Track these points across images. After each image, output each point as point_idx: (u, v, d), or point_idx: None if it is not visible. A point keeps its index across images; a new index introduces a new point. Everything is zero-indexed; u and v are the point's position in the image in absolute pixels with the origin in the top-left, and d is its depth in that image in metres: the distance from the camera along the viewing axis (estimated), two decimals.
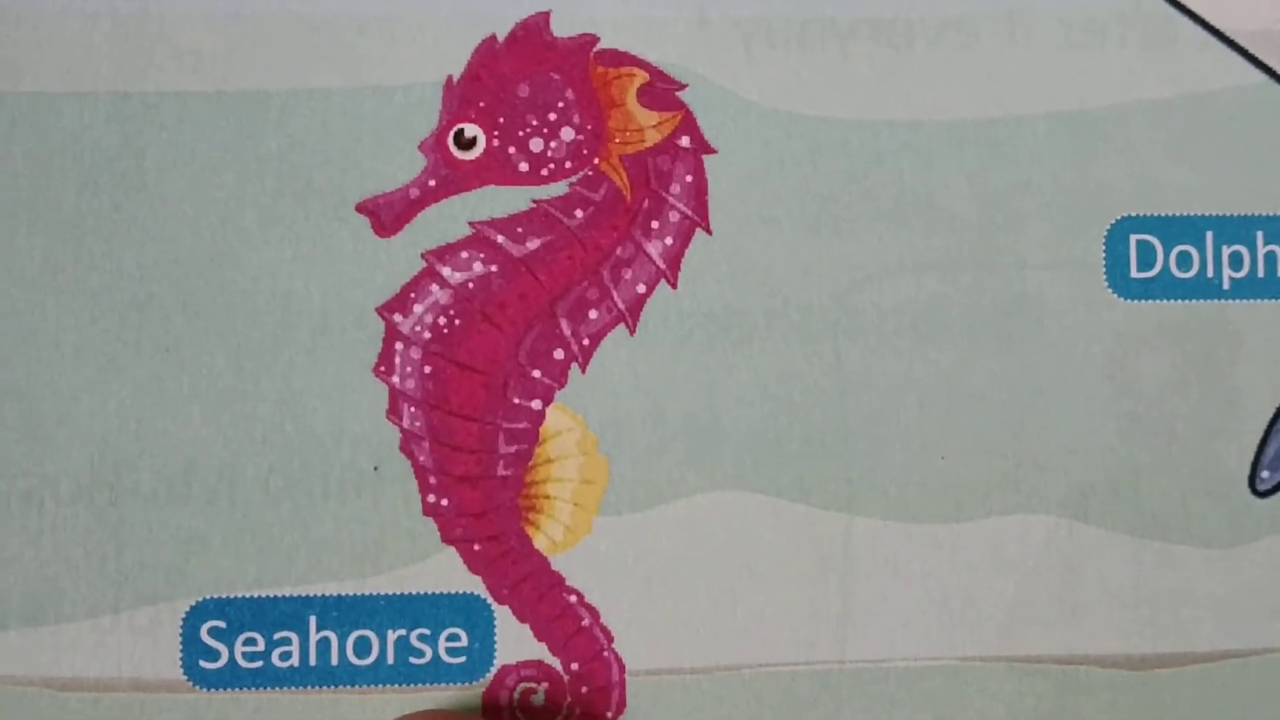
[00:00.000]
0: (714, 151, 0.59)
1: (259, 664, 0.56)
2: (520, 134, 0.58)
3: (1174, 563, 0.59)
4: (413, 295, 0.57)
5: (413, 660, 0.56)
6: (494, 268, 0.58)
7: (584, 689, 0.57)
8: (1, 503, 0.55)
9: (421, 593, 0.57)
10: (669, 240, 0.58)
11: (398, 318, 0.57)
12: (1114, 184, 0.60)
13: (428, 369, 0.57)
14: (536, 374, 0.57)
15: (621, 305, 0.58)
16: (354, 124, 0.58)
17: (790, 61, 0.60)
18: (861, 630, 0.58)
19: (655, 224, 0.58)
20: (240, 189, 0.58)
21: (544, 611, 0.57)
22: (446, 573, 0.57)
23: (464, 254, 0.58)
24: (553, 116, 0.58)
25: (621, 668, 0.57)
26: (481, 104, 0.58)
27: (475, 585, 0.57)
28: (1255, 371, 0.60)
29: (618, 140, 0.59)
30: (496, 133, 0.58)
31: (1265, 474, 0.59)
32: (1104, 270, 0.60)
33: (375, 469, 0.57)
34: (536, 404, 0.57)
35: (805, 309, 0.59)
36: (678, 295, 0.59)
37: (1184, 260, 0.60)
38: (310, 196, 0.58)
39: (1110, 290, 0.59)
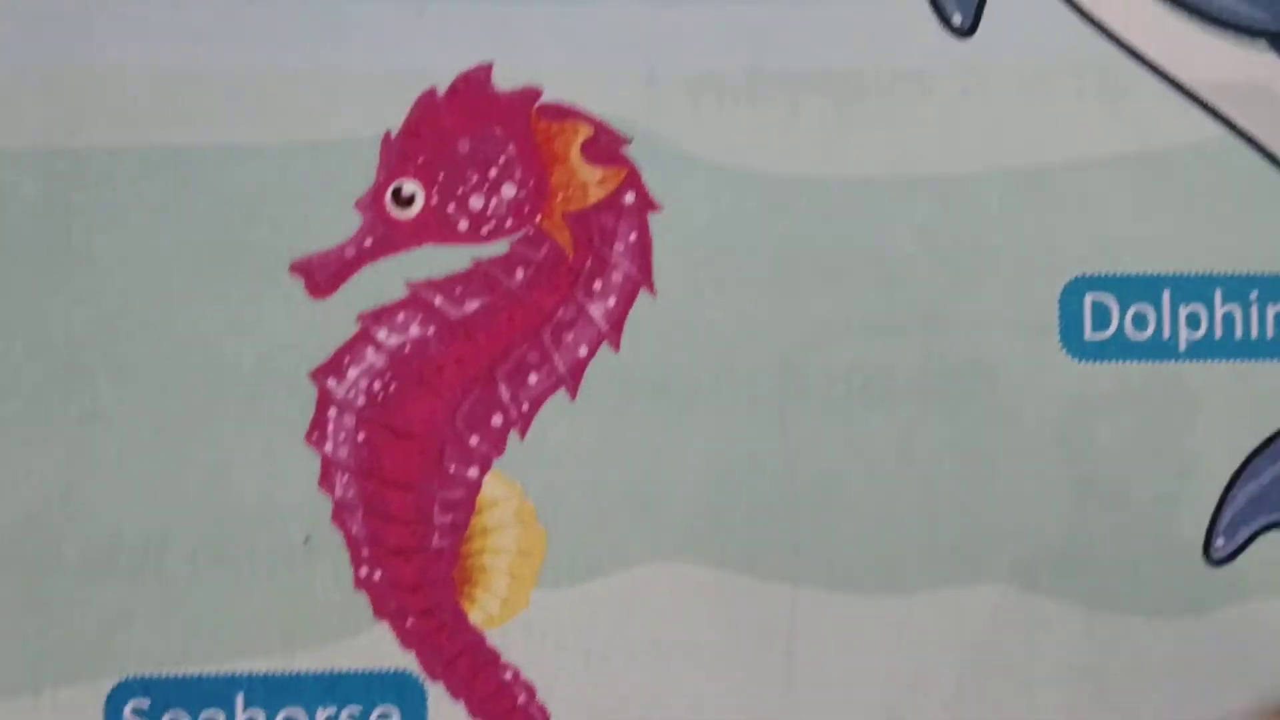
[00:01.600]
0: (659, 209, 0.58)
1: None
2: (460, 191, 0.57)
3: (1127, 633, 0.58)
4: (347, 359, 0.56)
5: None
6: (431, 330, 0.56)
7: None
8: None
9: (352, 670, 0.55)
10: (612, 301, 0.57)
11: (331, 383, 0.56)
12: (1070, 242, 0.59)
13: (361, 436, 0.56)
14: (474, 441, 0.56)
15: (562, 369, 0.57)
16: (288, 181, 0.56)
17: (738, 115, 0.58)
18: (807, 706, 0.57)
19: (598, 284, 0.57)
20: (170, 249, 0.56)
21: (479, 688, 0.56)
22: (378, 649, 0.55)
23: (400, 316, 0.56)
24: (494, 173, 0.57)
25: None
26: (420, 160, 0.57)
27: (408, 662, 0.56)
28: (1212, 435, 0.58)
29: (561, 197, 0.57)
30: (436, 190, 0.57)
31: (1221, 541, 0.58)
32: (1058, 331, 0.58)
33: (306, 540, 0.55)
34: (473, 472, 0.56)
35: (751, 372, 0.57)
36: (621, 358, 0.57)
37: (1140, 321, 0.58)
38: (243, 257, 0.56)
39: (1064, 352, 0.58)
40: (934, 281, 0.58)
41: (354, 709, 0.55)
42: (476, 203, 0.56)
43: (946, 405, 0.58)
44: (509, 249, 0.57)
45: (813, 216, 0.58)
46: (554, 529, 0.56)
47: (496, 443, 0.56)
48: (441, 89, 0.57)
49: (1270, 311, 0.59)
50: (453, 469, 0.56)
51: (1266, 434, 0.59)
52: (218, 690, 0.55)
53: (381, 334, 0.56)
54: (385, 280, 0.57)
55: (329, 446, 0.56)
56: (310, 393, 0.56)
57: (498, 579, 0.56)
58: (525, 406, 0.56)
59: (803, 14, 0.58)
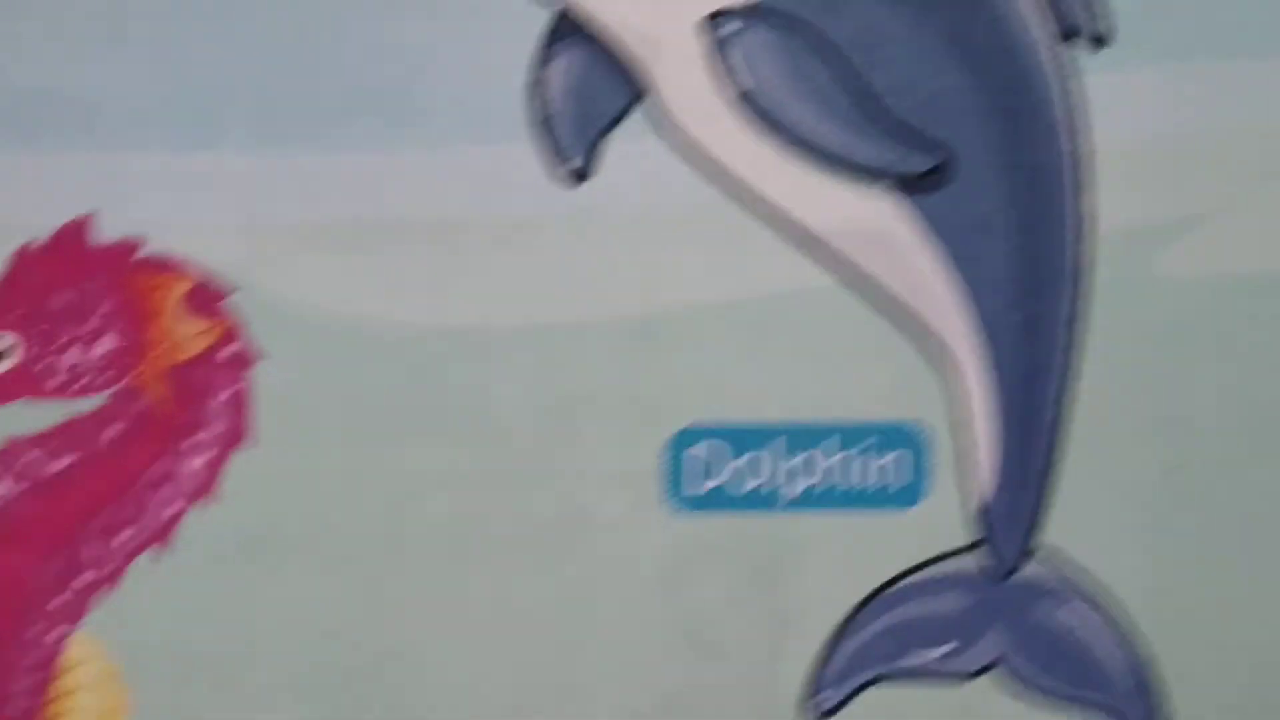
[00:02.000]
0: (260, 360, 0.57)
1: None
2: (55, 345, 0.57)
3: None
4: None
5: None
6: (21, 487, 0.57)
7: None
8: None
9: None
10: (209, 455, 0.57)
11: None
12: (679, 391, 0.59)
13: None
14: (60, 600, 0.56)
15: (155, 525, 0.57)
16: None
17: (343, 265, 0.58)
18: None
19: (196, 438, 0.57)
20: None
21: None
22: None
23: None
24: (91, 326, 0.57)
25: None
26: (17, 313, 0.57)
27: None
28: (816, 587, 0.59)
29: (159, 351, 0.57)
30: (30, 344, 0.56)
31: (828, 693, 0.58)
32: (664, 482, 0.58)
33: None
34: (57, 633, 0.56)
35: (351, 526, 0.58)
36: (216, 513, 0.58)
37: (748, 470, 0.59)
38: None
39: (669, 503, 0.58)
40: (537, 432, 0.58)
41: None
42: (72, 357, 0.57)
43: (546, 558, 0.58)
44: (105, 403, 0.57)
45: (417, 367, 0.58)
46: (138, 690, 0.57)
47: (82, 602, 0.57)
48: (39, 241, 0.57)
49: (878, 463, 0.59)
50: (36, 630, 0.56)
51: (873, 585, 0.59)
52: None
53: None
54: None
55: None
56: None
57: None
58: (115, 564, 0.57)
59: (409, 163, 0.58)
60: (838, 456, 0.59)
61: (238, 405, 0.58)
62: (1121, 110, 0.59)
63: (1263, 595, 0.59)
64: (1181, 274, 0.59)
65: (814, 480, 0.59)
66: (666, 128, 0.59)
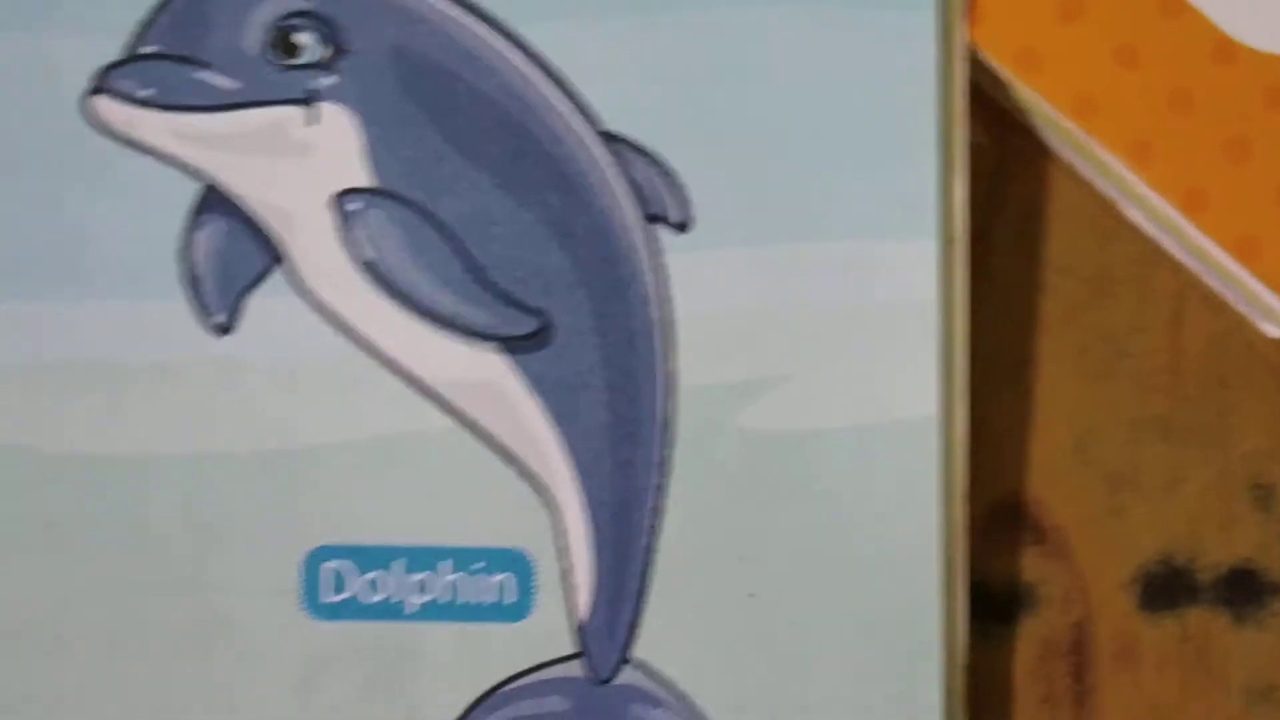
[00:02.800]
0: None
1: None
2: None
3: None
4: None
5: None
6: None
7: None
8: None
9: None
10: None
11: None
12: (313, 515, 0.67)
13: None
14: None
15: None
16: None
17: (20, 399, 0.67)
18: None
19: None
20: None
21: None
22: None
23: None
24: None
25: None
26: None
27: None
28: (436, 688, 0.67)
29: None
30: None
31: None
32: (300, 593, 0.67)
33: None
34: None
35: (18, 626, 0.67)
36: None
37: (375, 586, 0.67)
38: None
39: (305, 611, 0.67)
40: (190, 548, 0.67)
41: None
42: None
43: (196, 659, 0.67)
44: None
45: (83, 488, 0.66)
46: None
47: None
48: None
49: (491, 580, 0.68)
50: None
51: (484, 687, 0.68)
52: None
53: None
54: None
55: None
56: None
57: None
58: None
59: (76, 312, 0.66)
60: (454, 575, 0.68)
61: None
62: (703, 285, 0.68)
63: (820, 698, 0.68)
64: (758, 427, 0.68)
65: (433, 595, 0.68)
66: (301, 288, 0.67)
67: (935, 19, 0.68)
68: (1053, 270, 0.74)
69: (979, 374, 0.69)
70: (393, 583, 0.67)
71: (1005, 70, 0.71)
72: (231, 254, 0.67)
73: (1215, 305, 0.74)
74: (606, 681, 0.67)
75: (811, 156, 0.68)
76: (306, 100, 0.66)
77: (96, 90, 0.66)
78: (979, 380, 0.69)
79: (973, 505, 0.69)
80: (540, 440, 0.67)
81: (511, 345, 0.67)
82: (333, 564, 0.67)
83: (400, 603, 0.67)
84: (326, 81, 0.66)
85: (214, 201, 0.67)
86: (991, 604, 0.73)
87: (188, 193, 0.67)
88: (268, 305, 0.68)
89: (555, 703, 0.68)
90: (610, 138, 0.67)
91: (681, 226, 0.68)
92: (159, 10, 0.66)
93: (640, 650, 0.68)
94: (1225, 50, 0.73)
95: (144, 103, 0.66)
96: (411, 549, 0.67)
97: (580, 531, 0.67)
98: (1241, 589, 0.74)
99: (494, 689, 0.69)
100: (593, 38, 0.67)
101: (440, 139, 0.66)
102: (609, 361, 0.67)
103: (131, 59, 0.66)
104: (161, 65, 0.66)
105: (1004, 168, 0.73)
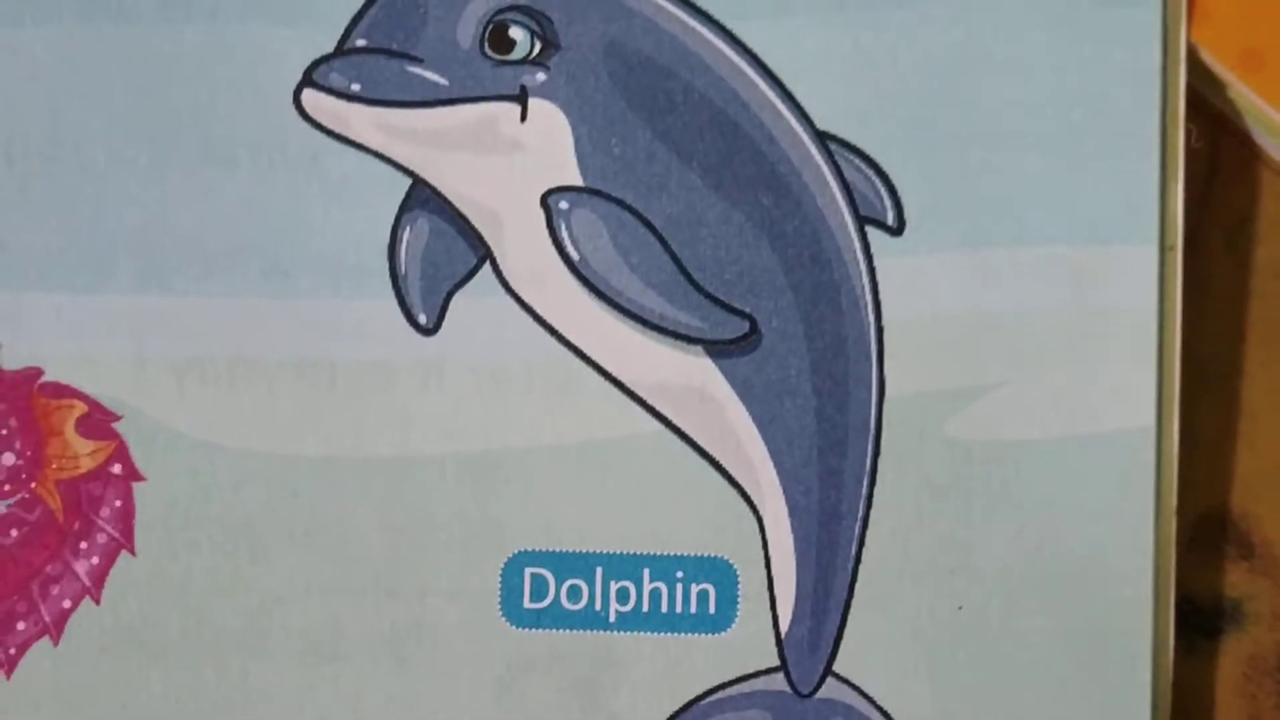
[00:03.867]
0: (143, 479, 0.65)
1: None
2: None
3: None
4: None
5: None
6: None
7: None
8: None
9: None
10: (95, 560, 0.65)
11: None
12: (513, 521, 0.66)
13: None
14: None
15: (48, 618, 0.65)
16: None
17: (219, 397, 0.65)
18: None
19: (84, 544, 0.65)
20: None
21: None
22: None
23: None
24: None
25: None
26: None
27: None
28: (635, 699, 0.66)
29: (54, 466, 0.65)
30: None
31: None
32: (499, 600, 0.66)
33: None
34: None
35: (218, 628, 0.65)
36: (100, 611, 0.65)
37: (574, 593, 0.66)
38: None
39: (503, 619, 0.66)
40: (390, 552, 0.66)
41: None
42: None
43: (393, 663, 0.66)
44: (5, 510, 0.65)
45: (282, 489, 0.65)
46: None
47: None
48: None
49: (693, 590, 0.66)
50: None
51: (685, 699, 0.66)
52: None
53: None
54: None
55: None
56: None
57: None
58: (12, 651, 0.65)
59: (279, 308, 0.65)
60: (655, 584, 0.66)
61: (122, 516, 0.65)
62: (915, 291, 0.66)
63: (1026, 713, 0.66)
64: (966, 437, 0.66)
65: (634, 605, 0.66)
66: (508, 288, 0.66)
67: (1159, 18, 0.66)
68: (1265, 276, 0.72)
69: (1187, 383, 0.67)
70: (593, 591, 0.65)
71: (1225, 71, 0.68)
72: (438, 253, 0.65)
73: None
74: (809, 695, 0.66)
75: (1029, 158, 0.66)
76: (518, 96, 0.64)
77: (307, 83, 0.64)
78: (1187, 390, 0.67)
79: (1180, 518, 0.67)
80: (745, 447, 0.66)
81: (719, 349, 0.66)
82: (532, 570, 0.65)
83: (601, 611, 0.66)
84: (538, 77, 0.65)
85: (422, 199, 0.66)
86: (1197, 619, 0.71)
87: (397, 189, 0.65)
88: (474, 305, 0.67)
89: (756, 716, 0.67)
90: (824, 137, 0.65)
91: (895, 229, 0.65)
92: (371, 4, 0.65)
93: (843, 664, 0.67)
94: None
95: (354, 97, 0.64)
96: (612, 557, 0.66)
97: (784, 541, 0.66)
98: None
99: (694, 700, 0.67)
100: (809, 35, 0.66)
101: (651, 137, 0.65)
102: (818, 367, 0.65)
103: (342, 52, 0.65)
104: (372, 59, 0.65)
105: (1217, 171, 0.70)
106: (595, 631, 0.66)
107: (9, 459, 0.64)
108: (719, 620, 0.66)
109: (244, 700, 0.65)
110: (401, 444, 0.65)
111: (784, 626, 0.66)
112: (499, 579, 0.66)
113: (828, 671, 0.66)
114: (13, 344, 0.65)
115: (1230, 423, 0.71)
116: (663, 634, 0.66)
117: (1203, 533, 0.70)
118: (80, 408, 0.65)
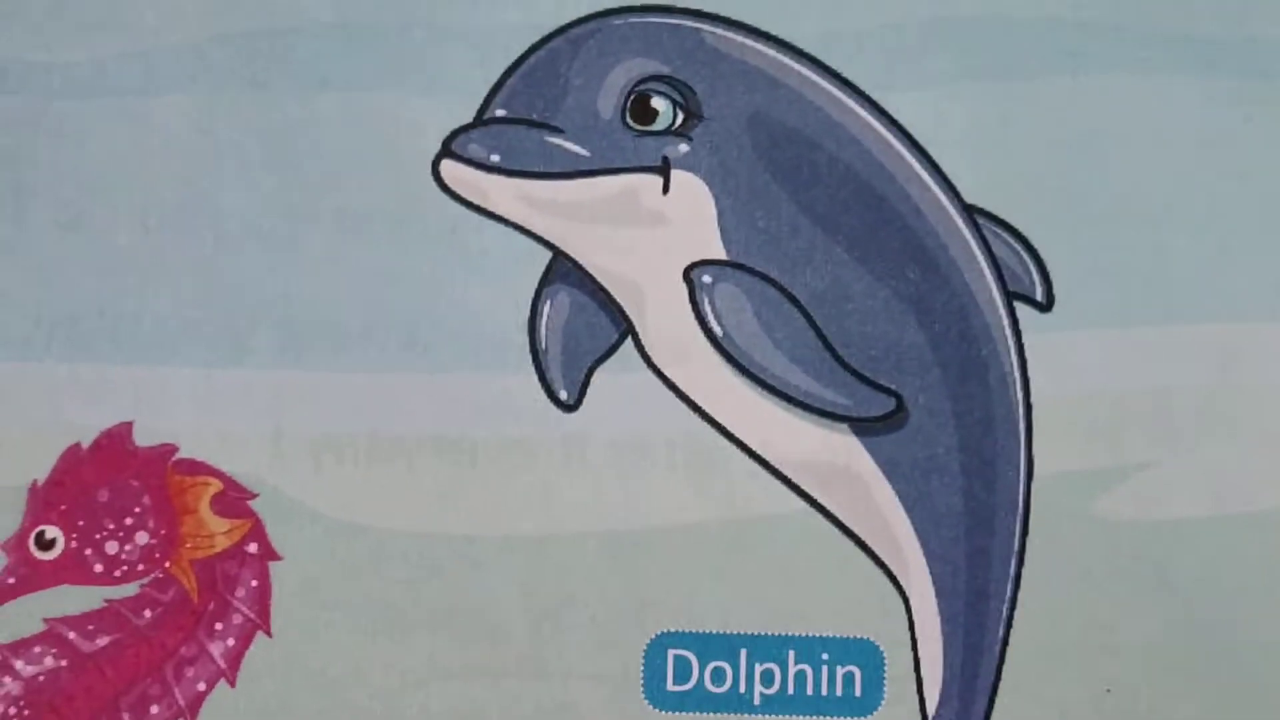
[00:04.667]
0: (280, 558, 0.64)
1: None
2: (97, 537, 0.64)
3: None
4: None
5: None
6: (64, 663, 0.64)
7: None
8: None
9: None
10: (231, 641, 0.64)
11: None
12: (656, 601, 0.64)
13: None
14: None
15: (182, 702, 0.64)
16: None
17: (357, 475, 0.64)
18: None
19: (219, 625, 0.64)
20: None
21: None
22: None
23: (37, 649, 0.64)
24: (129, 521, 0.64)
25: None
26: (63, 507, 0.64)
27: None
28: None
29: (189, 545, 0.64)
30: (75, 535, 0.64)
31: None
32: (642, 682, 0.64)
33: None
34: None
35: (357, 709, 0.64)
36: (235, 694, 0.64)
37: (718, 675, 0.64)
38: None
39: (646, 701, 0.64)
40: (530, 632, 0.64)
41: None
42: (111, 548, 0.64)
43: None
44: (139, 590, 0.64)
45: (422, 569, 0.64)
46: None
47: None
48: (85, 443, 0.64)
49: (839, 672, 0.65)
50: None
51: None
52: None
53: (19, 664, 0.64)
54: (24, 616, 0.64)
55: None
56: None
57: None
58: None
59: (418, 383, 0.64)
60: (800, 666, 0.65)
61: (258, 597, 0.64)
62: (1063, 368, 0.65)
63: None
64: (1115, 517, 0.65)
65: (778, 687, 0.65)
66: (649, 363, 0.64)
67: None
68: None
69: None
70: (737, 673, 0.64)
71: None
72: (579, 327, 0.64)
73: None
74: None
75: (1179, 233, 0.65)
76: (661, 168, 0.63)
77: (446, 154, 0.64)
78: None
79: None
80: (892, 526, 0.65)
81: (865, 426, 0.65)
82: (676, 652, 0.64)
83: (746, 694, 0.64)
84: (681, 149, 0.64)
85: (562, 272, 0.65)
86: None
87: (536, 262, 0.64)
88: (616, 381, 0.66)
89: None
90: (972, 211, 0.64)
91: (1044, 305, 0.64)
92: (510, 73, 0.64)
93: None
94: None
95: (493, 168, 0.63)
96: (757, 638, 0.65)
97: (931, 622, 0.64)
98: None
99: None
100: (955, 106, 0.65)
101: (795, 209, 0.64)
102: (966, 445, 0.64)
103: (481, 122, 0.64)
104: (512, 130, 0.64)
105: None
106: (740, 715, 0.65)
107: (142, 538, 0.63)
108: (865, 703, 0.65)
109: None
110: (543, 522, 0.64)
111: (931, 709, 0.65)
112: (642, 660, 0.64)
113: None
114: (147, 420, 0.64)
115: None
116: (808, 717, 0.65)
117: None
118: (215, 485, 0.64)
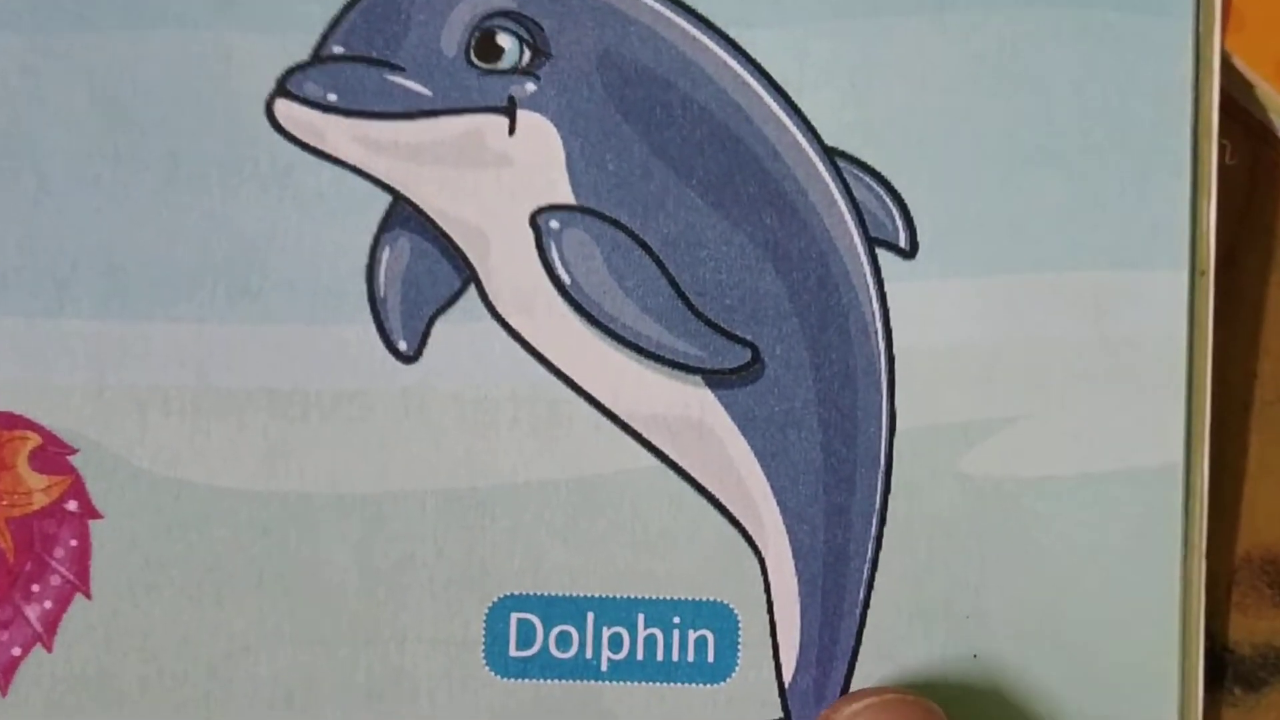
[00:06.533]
0: (101, 516, 0.61)
1: None
2: None
3: None
4: None
5: None
6: None
7: None
8: None
9: None
10: (48, 604, 0.60)
11: None
12: (499, 562, 0.61)
13: None
14: None
15: None
16: None
17: (183, 429, 0.61)
18: None
19: (36, 587, 0.60)
20: None
21: None
22: None
23: None
24: None
25: None
26: None
27: None
28: None
29: (5, 502, 0.60)
30: None
31: None
32: (483, 647, 0.61)
33: None
34: None
35: (179, 677, 0.61)
36: (53, 659, 0.60)
37: (564, 640, 0.61)
38: None
39: (488, 668, 0.61)
40: (367, 595, 0.61)
41: None
42: None
43: (369, 716, 0.61)
44: None
45: (251, 528, 0.61)
46: None
47: None
48: None
49: (691, 636, 0.62)
50: None
51: None
52: None
53: None
54: None
55: None
56: None
57: None
58: None
59: (249, 334, 0.61)
60: (650, 630, 0.62)
61: (78, 557, 0.61)
62: (927, 318, 0.62)
63: None
64: (981, 473, 0.62)
65: (627, 652, 0.62)
66: (494, 313, 0.61)
67: (1191, 26, 0.62)
68: None
69: (1219, 414, 0.62)
70: (584, 638, 0.61)
71: (1262, 81, 0.64)
72: (420, 274, 0.61)
73: None
74: None
75: (1050, 178, 0.62)
76: (506, 108, 0.60)
77: (280, 93, 0.60)
78: (1219, 422, 0.62)
79: (1215, 561, 0.62)
80: (747, 483, 0.61)
81: (719, 379, 0.62)
82: (519, 615, 0.61)
83: (593, 660, 0.61)
84: (528, 88, 0.61)
85: (403, 217, 0.61)
86: (1237, 670, 0.66)
87: (375, 206, 0.61)
88: (458, 331, 0.62)
89: None
90: (833, 154, 0.61)
91: (907, 252, 0.61)
92: (349, 8, 0.60)
93: None
94: None
95: (330, 108, 0.60)
96: (605, 600, 0.62)
97: (788, 584, 0.61)
98: None
99: None
100: (817, 45, 0.62)
101: (648, 152, 0.61)
102: (824, 398, 0.61)
103: (318, 60, 0.60)
104: (350, 67, 0.60)
105: (1255, 188, 0.66)
106: (586, 681, 0.62)
107: None
108: (719, 669, 0.62)
109: None
110: (380, 479, 0.61)
111: (788, 676, 0.61)
112: (483, 625, 0.62)
113: None
114: None
115: (1268, 457, 0.66)
116: (658, 684, 0.62)
117: (1243, 576, 0.65)
118: (34, 440, 0.60)
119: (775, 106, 0.62)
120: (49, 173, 0.61)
